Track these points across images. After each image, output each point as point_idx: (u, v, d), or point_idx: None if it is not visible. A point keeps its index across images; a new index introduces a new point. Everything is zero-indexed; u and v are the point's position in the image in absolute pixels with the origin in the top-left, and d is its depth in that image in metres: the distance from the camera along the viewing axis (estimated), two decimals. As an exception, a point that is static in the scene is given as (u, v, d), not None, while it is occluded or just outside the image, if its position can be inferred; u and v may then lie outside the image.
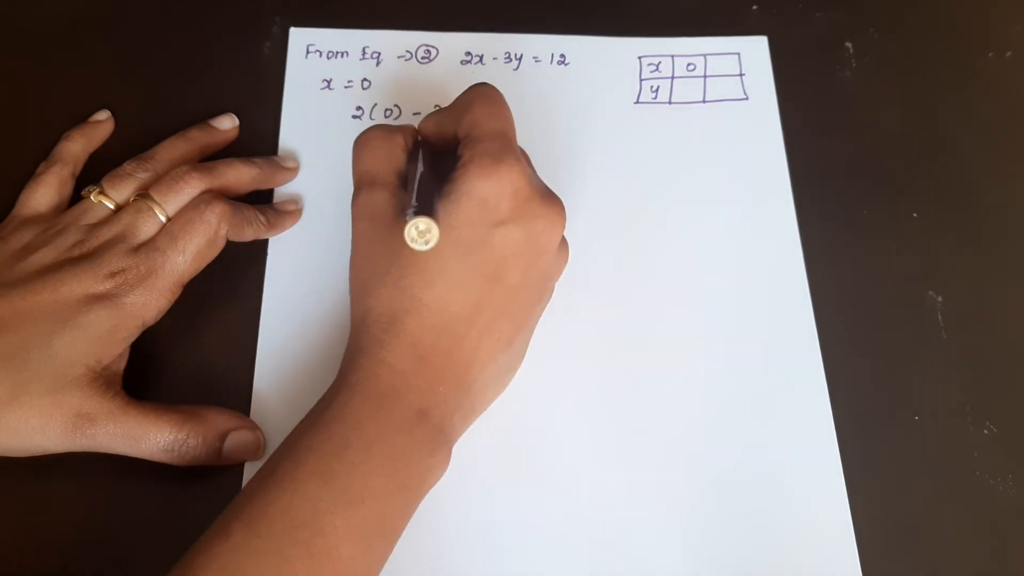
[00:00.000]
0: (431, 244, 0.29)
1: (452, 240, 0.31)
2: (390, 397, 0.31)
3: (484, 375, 0.34)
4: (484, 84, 0.36)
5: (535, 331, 0.36)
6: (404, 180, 0.35)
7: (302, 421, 0.32)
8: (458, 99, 0.35)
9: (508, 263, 0.33)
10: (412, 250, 0.30)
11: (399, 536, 0.32)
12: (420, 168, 0.34)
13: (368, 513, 0.30)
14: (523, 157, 0.34)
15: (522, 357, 0.36)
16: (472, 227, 0.32)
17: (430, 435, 0.32)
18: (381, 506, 0.30)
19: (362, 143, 0.36)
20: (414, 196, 0.31)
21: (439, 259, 0.32)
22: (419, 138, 0.37)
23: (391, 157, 0.35)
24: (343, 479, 0.29)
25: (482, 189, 0.32)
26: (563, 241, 0.36)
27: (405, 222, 0.29)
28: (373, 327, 0.32)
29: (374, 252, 0.34)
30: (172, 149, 0.40)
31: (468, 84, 0.45)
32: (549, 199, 0.34)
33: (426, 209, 0.30)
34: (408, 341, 0.32)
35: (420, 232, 0.29)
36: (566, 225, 0.34)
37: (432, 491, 0.33)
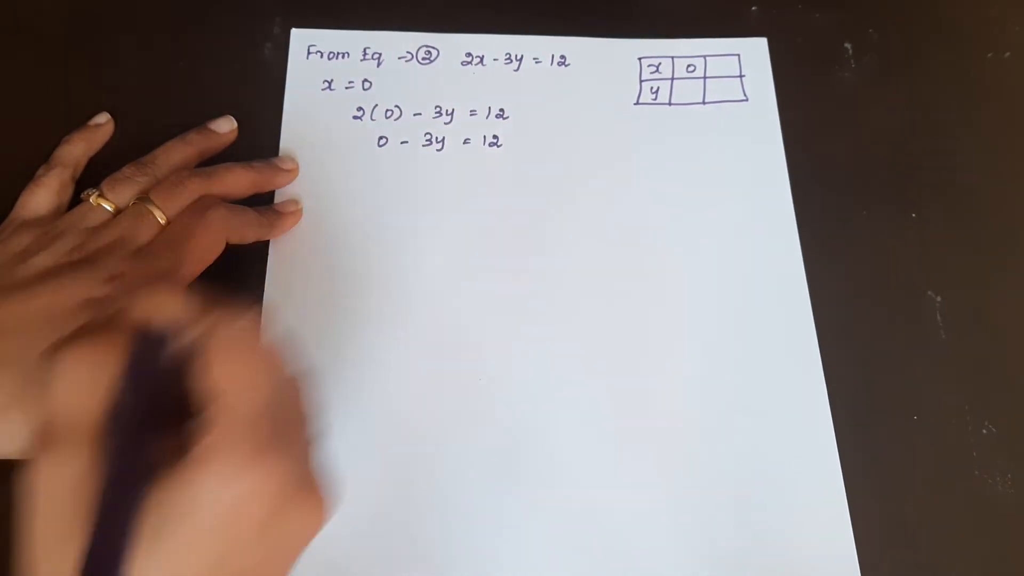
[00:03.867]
0: None
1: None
2: None
3: None
4: (227, 325, 0.24)
5: (536, 332, 0.35)
6: (117, 422, 0.22)
7: None
8: (199, 332, 0.23)
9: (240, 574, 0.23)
10: None
11: None
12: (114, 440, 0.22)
13: None
14: (292, 425, 0.25)
15: None
16: (205, 543, 0.22)
17: None
18: None
19: (60, 373, 0.23)
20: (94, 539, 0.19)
21: None
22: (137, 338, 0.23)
23: (98, 393, 0.23)
24: None
25: (228, 498, 0.22)
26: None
27: None
28: None
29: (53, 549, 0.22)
30: (172, 153, 0.40)
31: (469, 84, 0.44)
32: (312, 496, 0.24)
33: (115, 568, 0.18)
34: None
35: None
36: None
37: (433, 492, 0.32)
